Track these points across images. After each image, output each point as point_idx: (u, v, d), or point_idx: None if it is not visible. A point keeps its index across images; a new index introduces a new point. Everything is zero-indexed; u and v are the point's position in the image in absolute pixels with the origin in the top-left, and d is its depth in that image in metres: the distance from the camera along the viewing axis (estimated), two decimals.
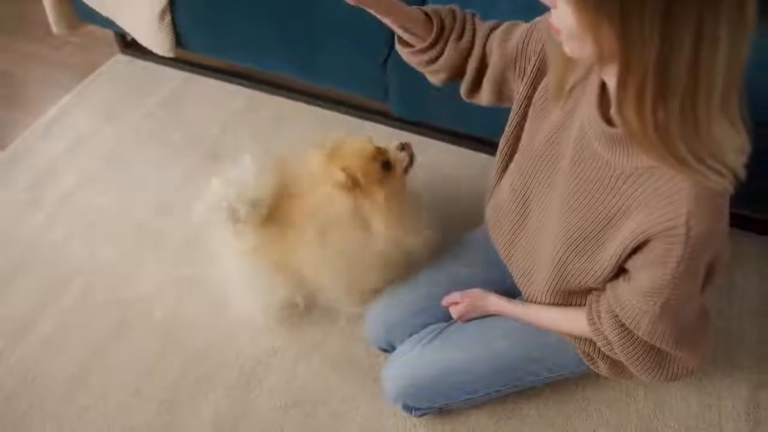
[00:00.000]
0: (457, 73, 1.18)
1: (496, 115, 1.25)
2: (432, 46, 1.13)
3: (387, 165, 1.28)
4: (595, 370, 1.21)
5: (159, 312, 1.53)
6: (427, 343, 1.29)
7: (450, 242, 1.43)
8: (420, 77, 1.66)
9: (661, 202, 0.85)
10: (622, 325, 1.02)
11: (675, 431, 1.35)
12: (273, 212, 1.29)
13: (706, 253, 0.88)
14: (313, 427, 1.37)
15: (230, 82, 2.12)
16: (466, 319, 1.29)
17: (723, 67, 0.72)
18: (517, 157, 1.17)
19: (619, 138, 0.87)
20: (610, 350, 1.08)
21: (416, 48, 1.15)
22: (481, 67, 1.16)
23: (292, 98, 2.06)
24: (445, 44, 1.13)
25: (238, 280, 1.40)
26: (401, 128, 1.93)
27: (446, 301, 1.30)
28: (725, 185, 0.81)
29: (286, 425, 1.37)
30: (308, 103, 2.04)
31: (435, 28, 1.12)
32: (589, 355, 1.18)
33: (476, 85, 1.19)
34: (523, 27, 1.10)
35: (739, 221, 1.67)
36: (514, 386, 1.28)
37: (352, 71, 1.74)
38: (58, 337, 1.52)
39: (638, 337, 1.02)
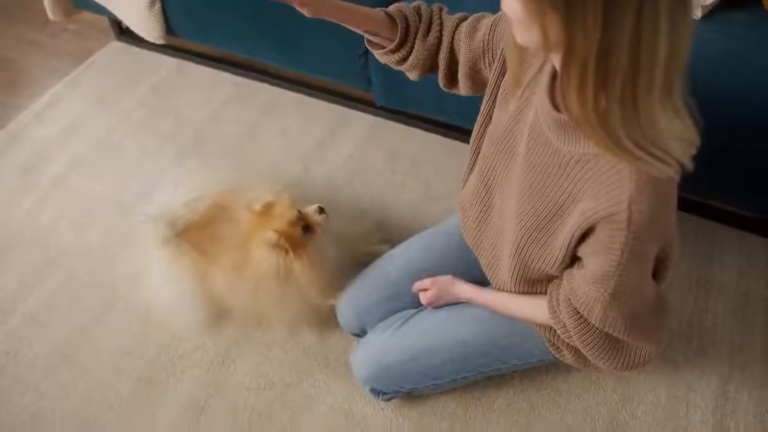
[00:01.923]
0: (430, 68, 1.19)
1: (477, 105, 1.27)
2: (399, 47, 1.14)
3: (307, 228, 1.37)
4: (561, 359, 1.22)
5: (141, 294, 1.56)
6: (396, 329, 1.31)
7: (424, 230, 1.45)
8: None
9: (605, 188, 0.86)
10: (578, 312, 1.03)
11: (642, 422, 1.35)
12: (200, 238, 1.39)
13: (651, 241, 0.89)
14: (284, 408, 1.39)
15: (222, 69, 2.15)
16: (436, 305, 1.31)
17: (664, 54, 0.73)
18: (483, 146, 1.19)
19: (567, 124, 0.89)
20: (569, 337, 1.09)
21: (385, 49, 1.16)
22: (452, 62, 1.17)
23: (282, 86, 2.08)
24: (413, 44, 1.14)
25: (159, 284, 1.47)
26: (385, 117, 1.95)
27: (416, 287, 1.32)
28: (669, 173, 0.81)
29: (257, 404, 1.40)
30: (297, 91, 2.06)
31: (399, 29, 1.12)
32: (554, 344, 1.20)
33: (451, 78, 1.20)
34: (488, 19, 1.11)
35: (723, 216, 1.67)
36: (481, 373, 1.30)
37: (335, 61, 1.75)
38: (43, 316, 1.56)
39: (593, 325, 1.03)
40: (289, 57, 1.84)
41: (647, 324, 1.04)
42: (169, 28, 1.97)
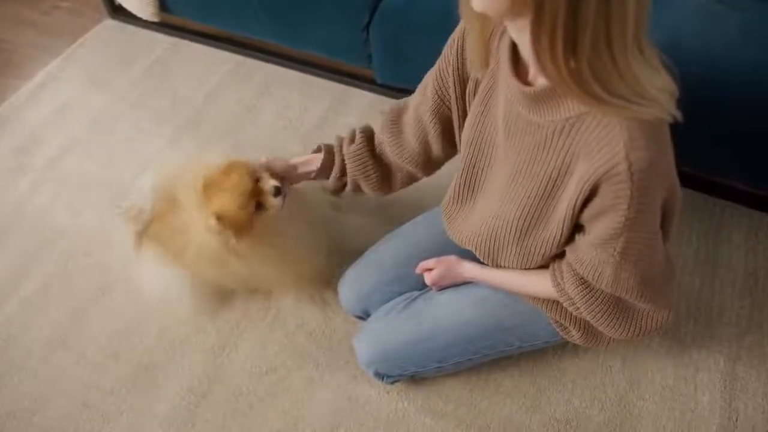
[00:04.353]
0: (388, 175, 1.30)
1: None
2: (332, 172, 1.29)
3: (259, 206, 1.20)
4: (569, 339, 1.20)
5: (138, 277, 1.53)
6: (400, 311, 1.29)
7: (427, 210, 1.42)
8: (402, 44, 1.64)
9: (598, 146, 0.83)
10: (584, 281, 1.01)
11: (650, 403, 1.34)
12: (162, 228, 1.31)
13: (655, 187, 0.85)
14: (286, 392, 1.37)
15: (219, 48, 2.10)
16: (440, 286, 1.28)
17: (633, 6, 0.72)
18: (461, 151, 1.16)
19: (540, 94, 0.87)
20: (576, 309, 1.07)
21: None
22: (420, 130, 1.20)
23: (280, 64, 2.03)
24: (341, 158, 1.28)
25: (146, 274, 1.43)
26: (386, 94, 1.90)
27: (420, 267, 1.29)
28: (657, 114, 0.80)
29: (259, 389, 1.38)
30: (296, 69, 2.02)
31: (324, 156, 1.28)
32: (561, 324, 1.18)
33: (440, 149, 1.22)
34: (431, 74, 1.15)
35: (731, 194, 1.64)
36: (485, 355, 1.28)
37: (335, 37, 1.71)
38: (40, 299, 1.54)
39: (600, 292, 1.01)
40: (288, 33, 1.80)
41: (658, 286, 1.01)
42: (163, 5, 1.92)
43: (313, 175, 1.31)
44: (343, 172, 1.29)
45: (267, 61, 2.05)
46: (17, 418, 1.35)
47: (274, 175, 1.23)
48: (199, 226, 1.18)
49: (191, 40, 2.13)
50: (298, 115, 1.90)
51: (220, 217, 1.14)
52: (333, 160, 1.29)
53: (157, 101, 1.97)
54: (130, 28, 2.19)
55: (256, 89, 1.98)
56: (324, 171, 1.30)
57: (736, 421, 1.30)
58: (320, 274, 1.45)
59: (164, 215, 1.30)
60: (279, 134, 1.86)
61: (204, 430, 1.33)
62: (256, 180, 1.18)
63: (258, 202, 1.18)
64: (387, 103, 1.91)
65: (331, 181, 1.30)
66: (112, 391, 1.39)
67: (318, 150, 1.32)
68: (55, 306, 1.52)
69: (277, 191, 1.18)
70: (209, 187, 1.15)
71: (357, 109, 1.90)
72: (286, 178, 1.28)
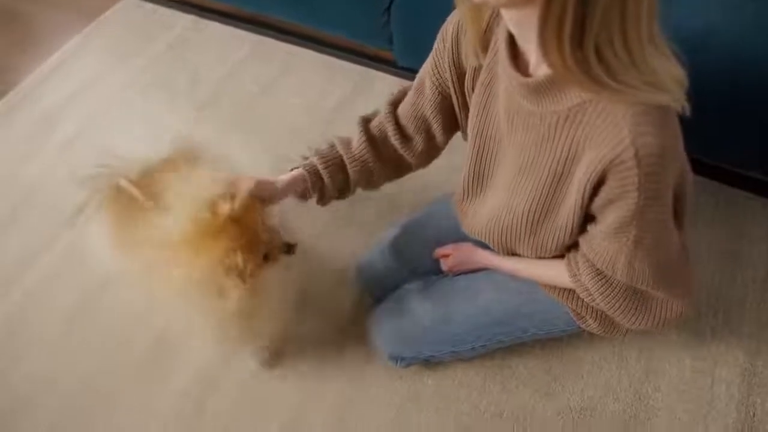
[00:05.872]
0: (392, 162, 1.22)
1: None
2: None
3: (267, 257, 1.04)
4: (586, 328, 1.19)
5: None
6: (416, 294, 1.29)
7: (445, 195, 1.41)
8: (424, 25, 1.61)
9: (603, 133, 0.82)
10: (599, 272, 1.00)
11: (665, 395, 1.32)
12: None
13: (665, 174, 0.84)
14: (297, 375, 1.37)
15: (238, 27, 2.09)
16: (456, 272, 1.28)
17: None
18: (467, 149, 1.14)
19: (541, 85, 0.86)
20: (592, 300, 1.06)
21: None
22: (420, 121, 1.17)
23: (300, 45, 2.02)
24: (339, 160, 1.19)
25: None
26: (408, 77, 1.88)
27: (438, 253, 1.30)
28: (664, 100, 0.78)
29: (270, 376, 1.38)
30: (316, 50, 2.00)
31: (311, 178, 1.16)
32: (578, 313, 1.16)
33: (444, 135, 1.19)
34: (426, 67, 1.13)
35: (751, 185, 1.61)
36: (500, 341, 1.27)
37: (355, 18, 1.69)
38: (46, 288, 1.54)
39: (617, 283, 1.00)
40: (307, 12, 1.78)
41: (673, 274, 1.00)
42: None
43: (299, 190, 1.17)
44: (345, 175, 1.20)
45: (287, 41, 2.03)
46: (26, 405, 1.36)
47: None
48: (198, 254, 0.97)
49: (211, 18, 2.12)
50: (318, 95, 1.89)
51: (245, 256, 0.96)
52: (320, 175, 1.17)
53: (176, 80, 1.97)
54: (150, 6, 2.18)
55: (275, 69, 1.97)
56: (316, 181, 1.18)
57: (753, 416, 1.29)
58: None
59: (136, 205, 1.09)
60: (298, 115, 1.85)
61: (214, 418, 1.33)
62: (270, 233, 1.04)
63: (266, 254, 1.02)
64: (406, 84, 1.89)
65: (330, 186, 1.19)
66: (121, 378, 1.39)
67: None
68: (64, 292, 1.52)
69: (289, 249, 1.05)
70: (234, 217, 0.97)
71: (377, 91, 1.88)
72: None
